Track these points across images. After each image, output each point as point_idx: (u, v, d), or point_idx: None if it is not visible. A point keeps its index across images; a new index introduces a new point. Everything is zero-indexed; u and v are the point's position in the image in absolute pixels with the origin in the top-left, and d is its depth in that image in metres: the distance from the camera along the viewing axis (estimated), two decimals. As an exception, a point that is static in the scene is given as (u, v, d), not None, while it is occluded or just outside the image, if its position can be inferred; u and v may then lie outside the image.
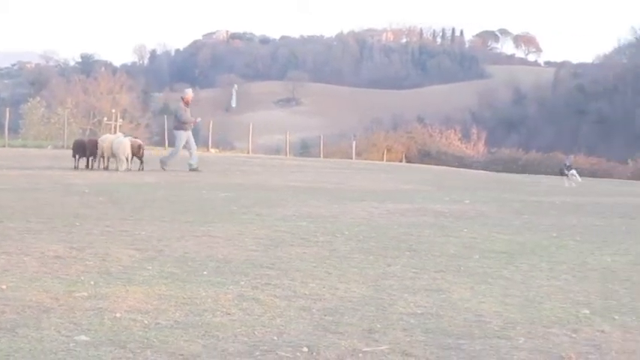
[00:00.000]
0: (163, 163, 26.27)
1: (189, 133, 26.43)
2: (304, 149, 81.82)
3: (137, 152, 25.83)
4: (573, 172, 28.76)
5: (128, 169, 24.65)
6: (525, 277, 8.10)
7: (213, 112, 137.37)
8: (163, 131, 58.02)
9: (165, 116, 62.61)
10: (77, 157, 25.93)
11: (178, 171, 25.52)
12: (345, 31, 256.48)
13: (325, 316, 6.14)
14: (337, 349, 5.32)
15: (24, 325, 5.60)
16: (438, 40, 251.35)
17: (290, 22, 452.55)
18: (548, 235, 11.72)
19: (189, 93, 27.80)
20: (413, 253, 9.39)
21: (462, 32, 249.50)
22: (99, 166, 25.73)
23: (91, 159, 25.92)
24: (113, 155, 25.10)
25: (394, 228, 11.78)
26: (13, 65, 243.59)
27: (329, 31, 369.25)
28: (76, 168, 25.37)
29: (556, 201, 18.63)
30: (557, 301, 7.00)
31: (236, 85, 55.36)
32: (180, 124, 26.55)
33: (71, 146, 27.77)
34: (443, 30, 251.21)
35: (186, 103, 26.64)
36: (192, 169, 25.82)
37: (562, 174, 29.50)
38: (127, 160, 24.89)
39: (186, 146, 26.38)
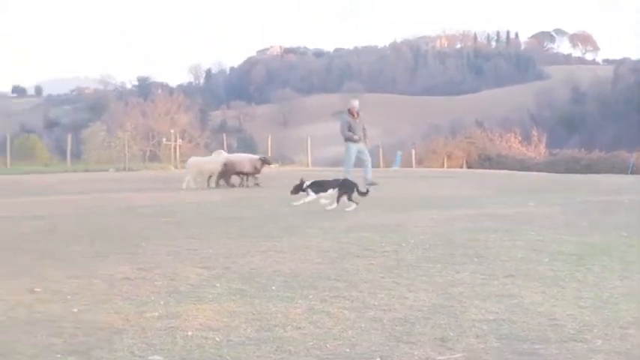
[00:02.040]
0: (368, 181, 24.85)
1: (360, 145, 25.42)
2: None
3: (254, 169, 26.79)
4: None
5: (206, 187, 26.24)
6: (598, 279, 8.00)
7: (270, 127, 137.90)
8: (222, 149, 58.20)
9: (224, 134, 62.91)
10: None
11: (244, 188, 25.66)
12: (399, 40, 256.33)
13: (396, 326, 6.11)
14: (410, 358, 5.30)
15: (97, 347, 5.64)
16: (493, 43, 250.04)
17: (343, 33, 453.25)
18: (618, 234, 11.56)
19: (353, 104, 26.21)
20: (480, 259, 9.31)
21: (516, 34, 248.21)
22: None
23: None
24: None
25: (460, 234, 11.68)
26: (72, 91, 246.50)
27: (382, 41, 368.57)
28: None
29: (624, 200, 18.37)
30: (633, 302, 6.90)
31: (400, 152, 53.62)
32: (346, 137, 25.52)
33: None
34: (497, 33, 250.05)
35: (352, 115, 25.51)
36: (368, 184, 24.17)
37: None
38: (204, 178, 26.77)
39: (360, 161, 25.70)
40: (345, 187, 16.92)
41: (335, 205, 16.40)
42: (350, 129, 25.24)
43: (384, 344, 5.62)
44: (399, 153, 24.17)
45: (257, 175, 27.14)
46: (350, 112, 25.57)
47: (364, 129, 25.62)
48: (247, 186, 26.88)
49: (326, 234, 12.11)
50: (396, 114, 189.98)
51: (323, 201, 16.92)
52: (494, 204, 17.44)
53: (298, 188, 17.39)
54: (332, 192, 16.89)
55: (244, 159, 27.62)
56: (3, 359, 5.42)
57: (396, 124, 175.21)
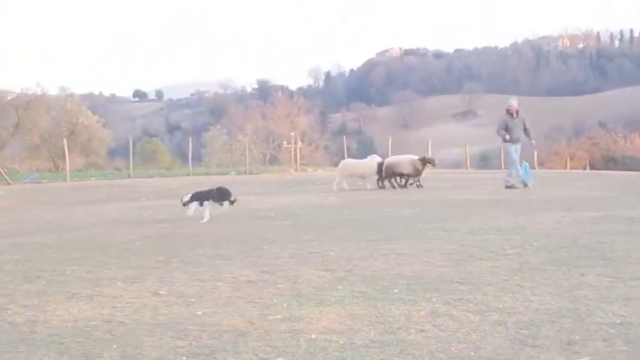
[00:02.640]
0: (508, 182, 25.09)
1: (517, 146, 25.22)
2: (484, 161, 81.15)
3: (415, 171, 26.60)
4: None
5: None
6: None
7: (391, 128, 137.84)
8: (342, 152, 58.41)
9: (344, 136, 63.08)
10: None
11: (362, 190, 25.68)
12: (520, 40, 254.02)
13: (521, 329, 6.04)
14: (537, 362, 5.23)
15: (222, 350, 5.70)
16: (616, 42, 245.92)
17: (463, 34, 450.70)
18: None
19: (511, 103, 25.75)
20: (607, 261, 9.13)
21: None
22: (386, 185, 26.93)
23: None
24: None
25: (585, 237, 11.49)
26: (192, 95, 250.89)
27: (503, 42, 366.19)
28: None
29: None
30: None
31: (526, 163, 52.47)
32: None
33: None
34: (621, 32, 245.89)
35: (511, 115, 25.21)
36: (507, 187, 24.77)
37: None
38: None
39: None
40: (211, 195, 17.15)
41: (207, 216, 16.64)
42: (507, 129, 24.96)
43: (509, 348, 5.56)
44: (526, 165, 23.46)
45: (418, 177, 26.79)
46: (508, 111, 25.27)
47: (526, 128, 25.32)
48: (410, 186, 26.79)
49: (448, 236, 12.04)
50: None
51: (189, 212, 16.95)
52: (620, 206, 17.11)
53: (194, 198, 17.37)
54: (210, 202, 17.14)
55: (404, 160, 27.31)
56: (129, 361, 5.53)
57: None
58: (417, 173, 26.68)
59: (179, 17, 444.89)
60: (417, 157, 27.15)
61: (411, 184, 26.86)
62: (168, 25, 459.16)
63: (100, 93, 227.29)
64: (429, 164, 27.18)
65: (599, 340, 5.68)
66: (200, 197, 17.08)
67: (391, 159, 28.10)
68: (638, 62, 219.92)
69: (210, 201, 16.85)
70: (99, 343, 6.02)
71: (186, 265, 9.95)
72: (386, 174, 26.71)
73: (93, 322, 6.73)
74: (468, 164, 61.81)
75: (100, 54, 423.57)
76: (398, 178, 26.97)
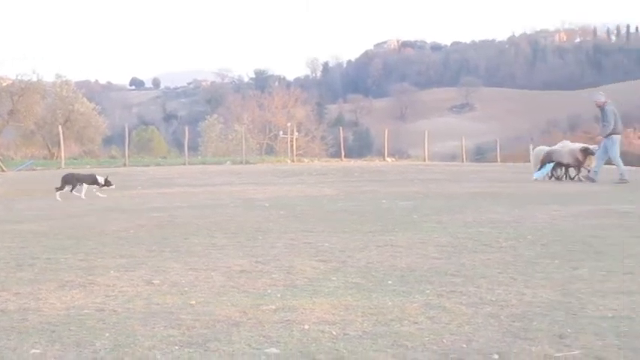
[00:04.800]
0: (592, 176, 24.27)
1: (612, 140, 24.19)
2: (480, 154, 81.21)
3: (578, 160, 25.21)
4: None
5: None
6: None
7: (387, 120, 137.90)
8: (339, 143, 58.50)
9: (341, 128, 63.14)
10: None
11: (358, 182, 25.65)
12: (517, 34, 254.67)
13: (514, 322, 6.05)
14: (528, 355, 5.23)
15: (215, 340, 5.69)
16: (613, 37, 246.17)
17: (461, 27, 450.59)
18: None
19: (597, 97, 25.03)
20: (599, 255, 9.16)
21: (637, 28, 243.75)
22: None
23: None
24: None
25: (579, 231, 11.52)
26: (189, 84, 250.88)
27: (500, 35, 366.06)
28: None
29: None
30: None
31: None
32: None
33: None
34: (617, 27, 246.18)
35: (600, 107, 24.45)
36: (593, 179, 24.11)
37: None
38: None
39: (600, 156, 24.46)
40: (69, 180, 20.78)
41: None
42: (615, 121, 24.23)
43: (501, 340, 5.56)
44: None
45: (583, 168, 25.23)
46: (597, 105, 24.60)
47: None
48: (572, 178, 25.55)
49: (443, 229, 12.06)
50: (514, 109, 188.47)
51: (58, 197, 19.81)
52: (614, 200, 17.13)
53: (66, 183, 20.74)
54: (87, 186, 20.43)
55: (563, 149, 25.83)
56: (121, 350, 5.51)
57: (514, 118, 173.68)
58: (579, 164, 25.27)
59: (177, 5, 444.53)
60: (578, 147, 25.48)
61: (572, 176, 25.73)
62: (166, 13, 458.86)
63: (97, 81, 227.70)
64: (590, 155, 25.11)
65: (590, 334, 5.68)
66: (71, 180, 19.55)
67: (553, 148, 26.78)
68: (634, 57, 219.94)
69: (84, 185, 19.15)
70: (91, 331, 6.00)
71: (180, 254, 9.95)
72: (544, 162, 25.86)
73: (85, 311, 6.72)
74: (464, 157, 61.85)
75: (97, 41, 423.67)
76: (560, 169, 25.97)
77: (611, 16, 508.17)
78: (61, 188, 21.11)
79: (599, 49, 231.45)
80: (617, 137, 24.15)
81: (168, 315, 6.49)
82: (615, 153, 24.05)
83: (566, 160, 25.44)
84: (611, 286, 7.37)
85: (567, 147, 25.93)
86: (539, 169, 26.06)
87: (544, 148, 27.59)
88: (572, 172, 25.65)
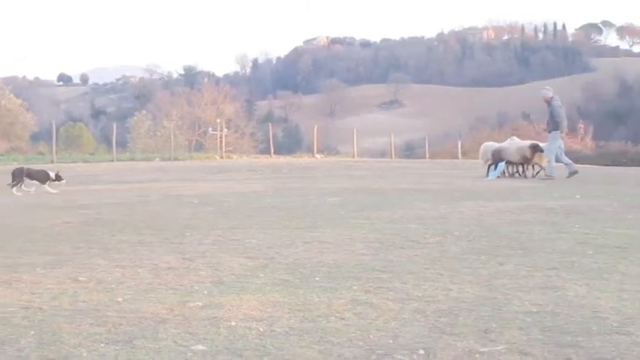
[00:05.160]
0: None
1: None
2: (409, 151, 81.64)
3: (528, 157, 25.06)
4: None
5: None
6: (642, 272, 7.93)
7: (317, 117, 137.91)
8: (268, 139, 58.46)
9: (270, 124, 63.11)
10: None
11: (287, 178, 25.65)
12: (446, 31, 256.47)
13: (440, 317, 6.09)
14: (454, 350, 5.27)
15: (141, 337, 5.66)
16: (540, 35, 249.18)
17: (390, 24, 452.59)
18: (664, 227, 11.46)
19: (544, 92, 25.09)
20: (525, 251, 9.26)
21: (564, 26, 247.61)
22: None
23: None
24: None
25: (504, 226, 11.65)
26: (118, 80, 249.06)
27: (429, 32, 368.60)
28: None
29: (670, 192, 18.21)
30: (677, 294, 6.83)
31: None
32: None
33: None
34: (545, 25, 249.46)
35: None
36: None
37: None
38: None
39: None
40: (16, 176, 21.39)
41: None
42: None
43: (427, 335, 5.60)
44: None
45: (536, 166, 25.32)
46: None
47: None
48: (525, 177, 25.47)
49: (371, 225, 12.11)
50: (443, 105, 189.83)
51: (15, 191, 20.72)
52: (539, 196, 17.35)
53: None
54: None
55: (511, 147, 25.73)
56: (46, 348, 5.46)
57: (443, 115, 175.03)
58: (525, 161, 25.36)
59: (105, 0, 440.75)
60: (526, 144, 25.53)
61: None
62: (94, 8, 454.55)
63: (24, 77, 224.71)
64: (539, 152, 24.90)
65: (515, 329, 5.74)
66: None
67: (500, 145, 26.85)
68: (561, 55, 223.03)
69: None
70: (16, 329, 5.93)
71: (107, 251, 9.87)
72: (493, 160, 25.79)
73: (10, 309, 6.64)
74: (393, 153, 62.14)
75: (24, 37, 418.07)
76: (510, 167, 26.02)
77: (539, 14, 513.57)
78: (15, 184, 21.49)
79: (527, 46, 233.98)
80: (558, 133, 24.30)
81: (95, 312, 6.43)
82: (552, 149, 24.20)
83: (515, 158, 25.46)
84: (536, 282, 7.46)
85: (515, 144, 25.93)
86: (490, 166, 25.99)
87: (492, 144, 27.65)
88: (522, 169, 25.80)
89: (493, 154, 25.98)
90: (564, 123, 24.26)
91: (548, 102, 24.53)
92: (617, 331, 5.68)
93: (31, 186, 21.26)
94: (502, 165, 24.95)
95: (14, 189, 20.85)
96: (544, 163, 24.74)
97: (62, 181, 21.74)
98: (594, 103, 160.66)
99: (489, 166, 26.03)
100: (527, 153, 24.88)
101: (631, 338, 5.49)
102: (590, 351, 5.22)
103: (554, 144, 24.18)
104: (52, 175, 21.70)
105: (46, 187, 21.34)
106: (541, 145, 24.73)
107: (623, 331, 5.67)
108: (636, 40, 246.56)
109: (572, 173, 23.98)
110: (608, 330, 5.70)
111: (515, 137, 28.21)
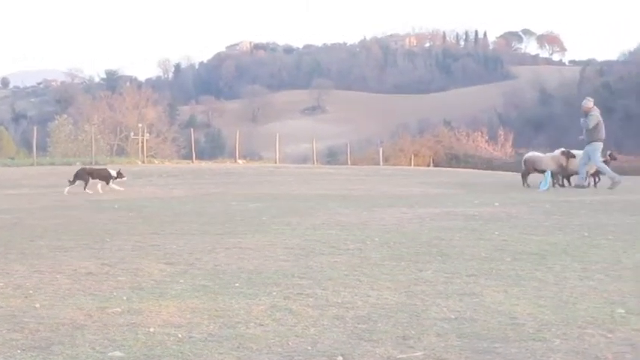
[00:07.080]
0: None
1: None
2: (331, 157, 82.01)
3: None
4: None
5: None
6: (558, 278, 8.02)
7: (239, 122, 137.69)
8: (190, 144, 58.23)
9: (192, 129, 62.84)
10: None
11: (208, 184, 25.54)
12: (368, 38, 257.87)
13: (359, 324, 6.12)
14: (372, 356, 5.30)
15: (59, 343, 5.61)
16: (462, 42, 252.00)
17: (313, 30, 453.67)
18: (580, 234, 11.61)
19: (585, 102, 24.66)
20: (444, 257, 9.34)
21: (485, 34, 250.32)
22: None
23: None
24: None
25: (424, 233, 11.74)
26: (39, 84, 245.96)
27: (352, 38, 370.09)
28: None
29: (586, 200, 18.46)
30: (592, 302, 6.93)
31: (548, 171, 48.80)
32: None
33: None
34: (466, 33, 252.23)
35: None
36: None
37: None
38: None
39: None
40: None
41: None
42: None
43: (346, 342, 5.62)
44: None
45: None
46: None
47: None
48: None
49: (292, 231, 12.13)
50: (365, 112, 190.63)
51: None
52: (460, 203, 17.52)
53: None
54: None
55: (545, 157, 25.57)
56: (-38, 354, 5.39)
57: (365, 121, 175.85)
58: (562, 170, 24.99)
59: (26, 3, 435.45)
60: (558, 152, 25.29)
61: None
62: (15, 11, 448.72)
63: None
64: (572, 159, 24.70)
65: (433, 335, 5.79)
66: None
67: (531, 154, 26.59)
68: (482, 62, 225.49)
69: None
70: None
71: (25, 256, 9.75)
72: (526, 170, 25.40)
73: None
74: (315, 159, 62.26)
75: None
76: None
77: (460, 21, 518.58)
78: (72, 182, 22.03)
79: (448, 53, 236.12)
80: (599, 144, 24.08)
81: (12, 318, 6.36)
82: (597, 158, 24.06)
83: (551, 167, 24.96)
84: (454, 288, 7.52)
85: (549, 154, 25.86)
86: (524, 175, 25.63)
87: (537, 154, 27.26)
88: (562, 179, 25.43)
89: (526, 163, 25.76)
90: (601, 134, 23.98)
91: (587, 112, 24.24)
92: (534, 337, 5.75)
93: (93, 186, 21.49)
94: (548, 175, 24.66)
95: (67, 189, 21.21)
96: (592, 171, 24.81)
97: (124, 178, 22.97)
98: (514, 111, 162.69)
99: (523, 175, 25.76)
100: (563, 161, 24.80)
101: (547, 345, 5.56)
102: (507, 357, 5.29)
103: (597, 154, 24.04)
104: (114, 173, 22.92)
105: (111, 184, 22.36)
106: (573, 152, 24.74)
107: (539, 337, 5.75)
108: (556, 48, 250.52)
109: (579, 186, 24.07)
110: (525, 336, 5.77)
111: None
